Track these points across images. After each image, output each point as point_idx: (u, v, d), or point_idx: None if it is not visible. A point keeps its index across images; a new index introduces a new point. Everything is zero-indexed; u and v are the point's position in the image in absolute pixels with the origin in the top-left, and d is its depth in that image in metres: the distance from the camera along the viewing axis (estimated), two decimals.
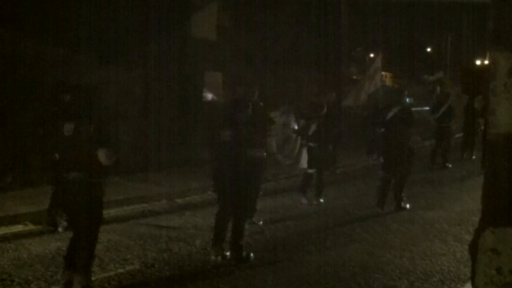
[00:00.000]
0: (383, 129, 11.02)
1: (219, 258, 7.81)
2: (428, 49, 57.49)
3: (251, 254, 7.89)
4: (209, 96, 17.11)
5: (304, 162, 11.49)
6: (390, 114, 10.87)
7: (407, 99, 21.22)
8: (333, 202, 12.03)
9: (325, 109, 11.53)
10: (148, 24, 14.90)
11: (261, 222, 9.87)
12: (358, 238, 9.23)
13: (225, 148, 7.67)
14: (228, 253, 7.83)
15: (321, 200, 11.72)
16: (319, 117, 11.37)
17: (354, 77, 52.98)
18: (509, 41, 3.31)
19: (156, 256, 8.17)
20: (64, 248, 8.41)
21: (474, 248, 3.48)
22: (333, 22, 20.37)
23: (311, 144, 11.42)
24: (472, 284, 3.51)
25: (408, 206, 11.28)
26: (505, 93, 3.26)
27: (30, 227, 9.76)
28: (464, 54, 41.62)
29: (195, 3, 16.61)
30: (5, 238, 9.01)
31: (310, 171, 11.55)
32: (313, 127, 11.34)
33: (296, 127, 11.58)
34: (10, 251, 8.38)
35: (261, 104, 8.75)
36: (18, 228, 9.65)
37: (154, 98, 15.16)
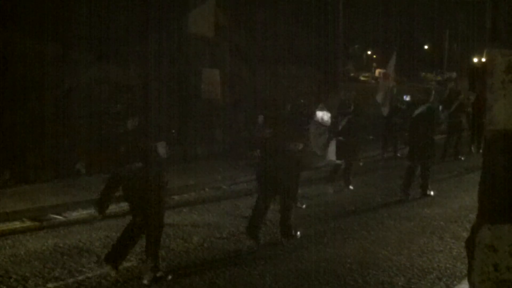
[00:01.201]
0: (401, 120, 12.62)
1: (254, 242, 8.48)
2: (426, 47, 57.50)
3: (298, 232, 8.85)
4: (207, 93, 17.10)
5: (331, 154, 12.47)
6: (417, 112, 11.95)
7: (405, 97, 21.32)
8: (331, 198, 12.04)
9: (352, 107, 12.70)
10: (146, 22, 14.89)
11: (304, 206, 10.98)
12: (355, 235, 9.24)
13: (267, 143, 8.55)
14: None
15: (351, 187, 12.86)
16: (348, 114, 12.52)
17: (352, 74, 53.03)
18: (506, 38, 3.31)
19: None
20: (61, 245, 8.44)
21: (471, 245, 3.48)
22: (331, 19, 20.37)
23: (340, 138, 12.45)
24: (469, 281, 3.52)
25: (432, 193, 12.19)
26: (503, 90, 3.26)
27: (27, 223, 9.76)
28: (465, 52, 41.67)
29: (192, 0, 16.59)
30: (2, 235, 9.02)
31: (338, 162, 12.64)
32: (343, 123, 12.43)
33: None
34: (7, 247, 8.38)
35: (302, 101, 9.60)
36: (15, 224, 9.65)
37: (152, 95, 15.15)
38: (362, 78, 58.90)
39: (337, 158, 12.59)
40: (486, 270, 3.32)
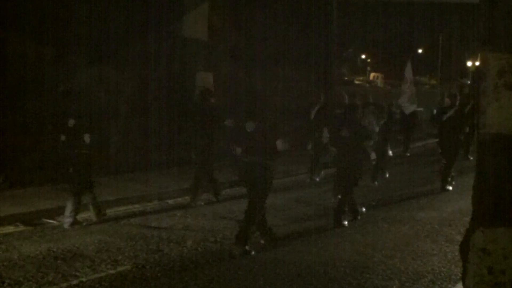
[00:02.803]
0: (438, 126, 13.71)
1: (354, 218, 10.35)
2: (420, 51, 57.66)
3: (358, 217, 10.44)
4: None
5: (373, 154, 13.27)
6: (447, 115, 13.24)
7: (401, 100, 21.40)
8: (325, 198, 12.02)
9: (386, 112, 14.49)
10: (143, 24, 14.85)
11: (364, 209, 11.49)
12: (349, 238, 9.25)
13: (343, 142, 10.15)
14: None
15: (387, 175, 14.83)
16: (383, 117, 13.99)
17: (346, 78, 53.14)
18: (499, 42, 3.30)
19: (147, 257, 8.16)
20: (55, 249, 8.42)
21: (465, 248, 3.48)
22: (325, 23, 20.42)
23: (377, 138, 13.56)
24: (463, 284, 3.51)
25: (451, 188, 13.29)
26: (496, 94, 3.25)
27: (21, 228, 9.72)
28: (461, 55, 41.80)
29: (186, 3, 16.57)
30: None
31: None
32: (381, 125, 13.74)
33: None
34: (0, 252, 8.34)
35: (371, 107, 12.67)
36: (9, 229, 9.59)
37: (145, 98, 15.12)
38: (356, 82, 59.16)
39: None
40: (480, 273, 3.32)
